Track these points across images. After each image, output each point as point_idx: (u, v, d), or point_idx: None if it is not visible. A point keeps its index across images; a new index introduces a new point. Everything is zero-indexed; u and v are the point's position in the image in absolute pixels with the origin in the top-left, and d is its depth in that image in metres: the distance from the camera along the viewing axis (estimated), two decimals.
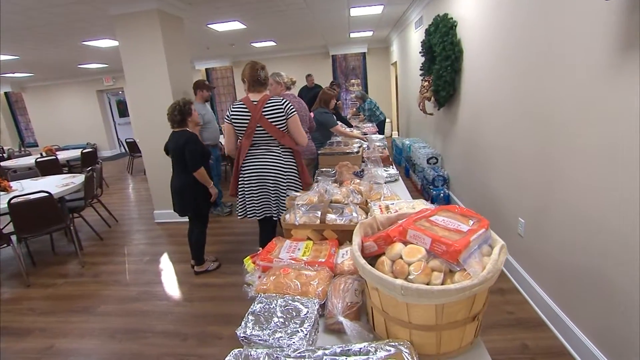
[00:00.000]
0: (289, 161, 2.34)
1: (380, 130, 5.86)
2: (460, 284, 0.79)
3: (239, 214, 2.40)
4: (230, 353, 0.86)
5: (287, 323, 0.98)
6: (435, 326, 0.85)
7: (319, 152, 3.07)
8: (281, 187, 2.29)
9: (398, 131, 8.56)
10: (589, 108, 1.60)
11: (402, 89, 7.07)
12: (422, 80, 3.87)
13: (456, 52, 3.15)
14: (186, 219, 2.97)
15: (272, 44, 7.78)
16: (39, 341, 2.32)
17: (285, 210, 1.80)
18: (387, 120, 7.73)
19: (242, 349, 0.88)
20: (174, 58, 4.04)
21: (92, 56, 7.00)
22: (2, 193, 3.48)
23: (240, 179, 2.35)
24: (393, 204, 1.43)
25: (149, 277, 3.11)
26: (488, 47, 2.67)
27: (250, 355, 0.86)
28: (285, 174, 2.31)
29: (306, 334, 0.94)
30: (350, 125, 4.74)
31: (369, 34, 7.44)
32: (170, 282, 3.01)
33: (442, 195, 3.85)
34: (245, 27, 5.59)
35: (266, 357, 0.85)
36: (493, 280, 0.82)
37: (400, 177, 2.49)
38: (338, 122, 3.96)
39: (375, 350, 0.84)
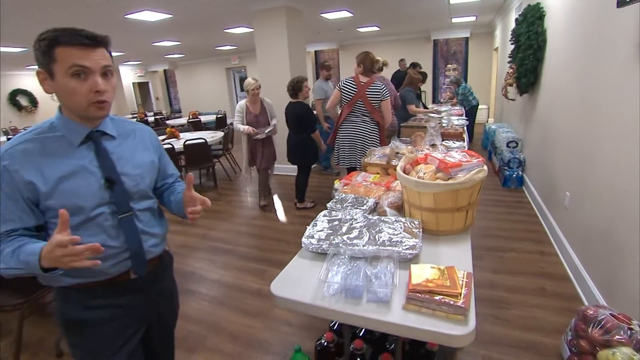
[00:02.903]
0: (374, 130, 3.15)
1: (471, 115, 6.06)
2: (447, 182, 1.48)
3: (335, 161, 3.35)
4: (321, 212, 1.71)
5: (354, 205, 1.79)
6: (434, 209, 1.55)
7: (402, 124, 3.76)
8: (367, 146, 3.09)
9: (494, 118, 8.37)
10: (623, 94, 1.93)
11: (500, 75, 6.95)
12: (509, 67, 4.09)
13: (539, 42, 3.34)
14: (295, 170, 4.00)
15: (375, 28, 8.37)
16: (199, 230, 3.69)
17: None
18: (483, 106, 7.68)
19: (328, 210, 1.72)
20: (293, 44, 5.07)
21: (227, 40, 8.67)
22: (174, 139, 5.09)
23: (337, 136, 3.24)
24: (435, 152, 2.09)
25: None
26: (566, 39, 2.89)
27: (332, 214, 1.70)
28: (370, 138, 3.13)
29: (364, 210, 1.74)
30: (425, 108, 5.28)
31: (472, 19, 7.41)
32: (278, 210, 4.14)
33: (515, 176, 4.11)
34: (352, 15, 6.33)
35: (340, 214, 1.68)
36: (468, 185, 1.47)
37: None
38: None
39: (399, 221, 1.58)
